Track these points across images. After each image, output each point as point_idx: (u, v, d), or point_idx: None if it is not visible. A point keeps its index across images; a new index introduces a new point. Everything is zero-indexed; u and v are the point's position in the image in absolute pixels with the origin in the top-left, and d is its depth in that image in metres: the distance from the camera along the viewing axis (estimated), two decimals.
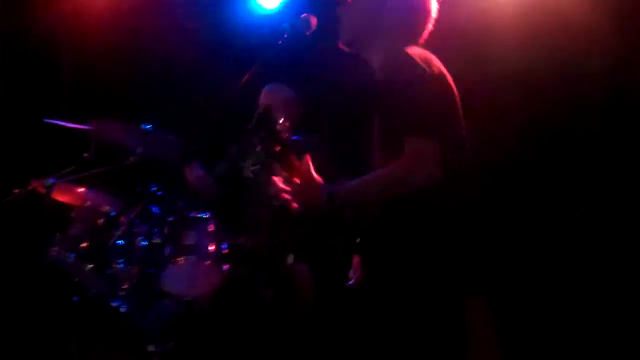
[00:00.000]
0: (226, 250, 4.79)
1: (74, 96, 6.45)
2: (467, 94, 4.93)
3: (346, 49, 3.39)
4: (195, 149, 5.20)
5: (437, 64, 3.21)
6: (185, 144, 5.03)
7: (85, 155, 4.96)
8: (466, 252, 3.04)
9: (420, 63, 3.09)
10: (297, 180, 3.17)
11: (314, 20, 3.78)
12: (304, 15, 3.81)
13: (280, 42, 3.81)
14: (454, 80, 3.30)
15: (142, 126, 4.98)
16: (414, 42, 3.29)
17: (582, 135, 5.12)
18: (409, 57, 3.09)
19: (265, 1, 6.09)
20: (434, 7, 3.34)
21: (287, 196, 3.20)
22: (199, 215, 4.84)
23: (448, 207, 3.05)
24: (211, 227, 4.82)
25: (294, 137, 4.87)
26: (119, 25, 6.24)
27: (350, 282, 3.47)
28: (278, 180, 3.27)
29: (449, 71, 3.28)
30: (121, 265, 4.76)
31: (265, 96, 5.30)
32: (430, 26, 3.35)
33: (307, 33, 3.57)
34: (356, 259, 3.51)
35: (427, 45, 3.29)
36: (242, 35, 5.97)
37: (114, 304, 4.72)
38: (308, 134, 4.96)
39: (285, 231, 4.70)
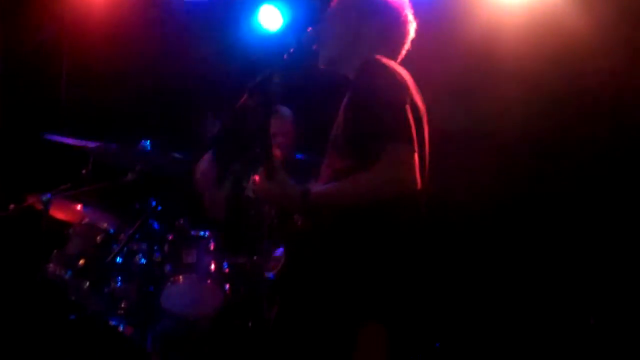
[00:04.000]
0: (227, 270, 4.72)
1: (73, 112, 6.38)
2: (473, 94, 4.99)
3: (325, 68, 3.35)
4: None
5: (410, 78, 3.17)
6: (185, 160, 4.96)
7: (83, 171, 4.89)
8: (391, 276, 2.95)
9: (397, 72, 3.08)
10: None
11: None
12: (310, 29, 3.74)
13: (285, 56, 3.74)
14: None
15: (142, 142, 4.90)
16: (395, 58, 3.28)
17: (585, 138, 5.16)
18: (386, 65, 3.07)
19: (268, 22, 6.05)
20: (412, 28, 3.34)
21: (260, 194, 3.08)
22: (199, 234, 4.77)
23: (394, 225, 2.99)
24: (212, 246, 4.74)
25: (298, 156, 4.83)
26: (120, 40, 6.20)
27: (270, 274, 3.38)
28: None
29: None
30: (119, 284, 4.67)
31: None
32: (407, 46, 3.34)
33: (314, 47, 3.49)
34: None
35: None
36: (245, 52, 5.93)
37: (112, 323, 4.65)
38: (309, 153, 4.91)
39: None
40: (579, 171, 5.17)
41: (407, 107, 2.97)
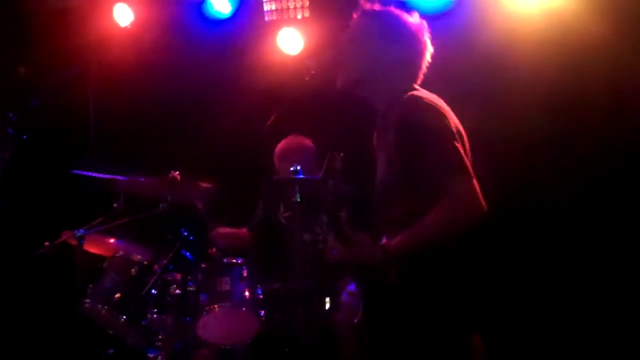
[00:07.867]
0: (261, 296, 4.72)
1: (101, 146, 6.42)
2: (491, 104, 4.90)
3: (344, 90, 3.34)
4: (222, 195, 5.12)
5: (445, 106, 3.19)
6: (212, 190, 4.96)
7: (114, 205, 4.91)
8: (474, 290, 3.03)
9: (438, 106, 3.11)
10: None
11: None
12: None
13: (307, 78, 3.74)
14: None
15: (170, 173, 4.92)
16: (415, 82, 3.30)
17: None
18: (429, 104, 3.10)
19: (288, 46, 6.03)
20: (429, 53, 3.33)
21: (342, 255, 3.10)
22: (232, 261, 4.77)
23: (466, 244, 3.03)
24: (245, 273, 4.74)
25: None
26: (145, 72, 6.23)
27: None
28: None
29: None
30: (156, 315, 4.68)
31: (285, 146, 5.20)
32: (424, 70, 3.35)
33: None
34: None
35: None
36: (268, 77, 5.93)
37: (151, 355, 4.65)
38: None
39: (321, 276, 4.61)
40: (596, 175, 5.17)
41: (455, 139, 3.03)
